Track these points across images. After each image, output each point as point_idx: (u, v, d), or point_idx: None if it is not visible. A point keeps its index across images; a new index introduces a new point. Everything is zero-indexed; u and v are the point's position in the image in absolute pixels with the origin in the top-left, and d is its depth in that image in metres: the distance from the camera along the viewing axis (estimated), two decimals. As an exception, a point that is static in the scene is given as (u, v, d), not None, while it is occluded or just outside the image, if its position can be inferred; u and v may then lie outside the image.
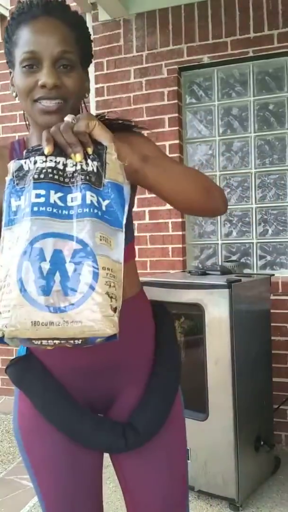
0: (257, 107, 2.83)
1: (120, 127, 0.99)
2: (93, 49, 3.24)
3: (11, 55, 0.91)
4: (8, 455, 2.74)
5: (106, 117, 0.99)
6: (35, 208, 0.69)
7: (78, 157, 0.74)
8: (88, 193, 0.71)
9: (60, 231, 0.69)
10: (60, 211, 0.70)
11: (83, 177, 0.73)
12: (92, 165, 0.74)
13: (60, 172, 0.73)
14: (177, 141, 2.87)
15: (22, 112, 0.97)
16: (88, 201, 0.71)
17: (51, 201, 0.70)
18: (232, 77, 2.87)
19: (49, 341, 0.67)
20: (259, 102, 2.82)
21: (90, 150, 0.75)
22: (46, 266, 0.67)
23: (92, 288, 0.67)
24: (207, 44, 2.80)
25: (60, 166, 0.74)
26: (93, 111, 3.16)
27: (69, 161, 0.74)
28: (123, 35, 2.98)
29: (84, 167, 0.74)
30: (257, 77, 2.81)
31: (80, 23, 0.94)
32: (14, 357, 0.98)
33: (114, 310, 0.68)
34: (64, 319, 0.66)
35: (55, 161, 0.73)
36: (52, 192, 0.71)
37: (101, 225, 0.71)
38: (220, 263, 2.88)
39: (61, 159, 0.74)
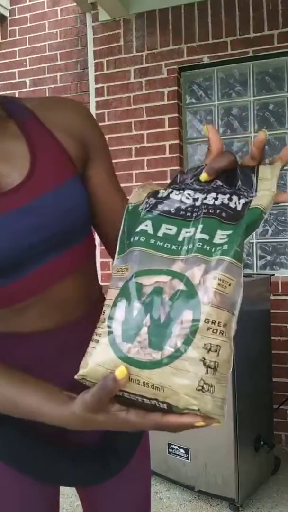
0: (257, 107, 2.83)
1: None
2: (93, 49, 3.25)
3: None
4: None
5: None
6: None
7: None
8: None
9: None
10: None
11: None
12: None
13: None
14: (177, 141, 2.87)
15: None
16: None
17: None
18: (232, 77, 2.87)
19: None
20: (259, 102, 2.82)
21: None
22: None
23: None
24: (207, 44, 2.80)
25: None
26: (93, 111, 3.17)
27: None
28: (123, 35, 2.98)
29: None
30: (257, 77, 2.81)
31: None
32: None
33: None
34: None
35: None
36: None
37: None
38: (220, 263, 2.88)
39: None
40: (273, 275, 2.52)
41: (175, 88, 2.87)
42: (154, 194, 0.62)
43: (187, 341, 0.50)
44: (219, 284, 0.52)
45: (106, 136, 3.03)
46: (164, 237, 0.57)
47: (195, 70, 2.90)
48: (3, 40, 3.56)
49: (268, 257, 2.84)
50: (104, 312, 0.55)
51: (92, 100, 3.19)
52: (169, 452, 2.24)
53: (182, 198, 0.60)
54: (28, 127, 0.71)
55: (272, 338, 2.49)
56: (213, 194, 0.59)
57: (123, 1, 2.87)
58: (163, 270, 0.55)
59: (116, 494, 0.84)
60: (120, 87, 2.99)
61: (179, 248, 0.56)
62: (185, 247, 0.56)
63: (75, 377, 0.55)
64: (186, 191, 0.61)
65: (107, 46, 3.01)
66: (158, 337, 0.51)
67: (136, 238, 0.58)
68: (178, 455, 2.21)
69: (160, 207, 0.60)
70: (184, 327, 0.51)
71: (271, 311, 2.43)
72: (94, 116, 3.12)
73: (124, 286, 0.55)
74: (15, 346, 0.72)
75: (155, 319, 0.52)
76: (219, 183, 0.60)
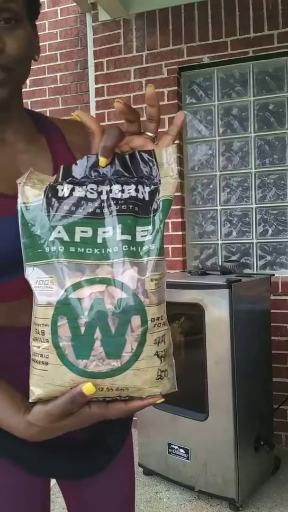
0: (257, 107, 2.83)
1: None
2: (93, 49, 3.22)
3: None
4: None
5: None
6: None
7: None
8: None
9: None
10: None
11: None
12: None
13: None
14: (177, 141, 2.86)
15: None
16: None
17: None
18: (232, 77, 2.87)
19: None
20: (259, 102, 2.82)
21: None
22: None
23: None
24: (207, 44, 2.80)
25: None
26: (93, 111, 3.17)
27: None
28: (123, 35, 2.98)
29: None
30: (257, 77, 2.81)
31: None
32: None
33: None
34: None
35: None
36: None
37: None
38: (220, 263, 2.88)
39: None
40: (273, 275, 2.52)
41: (175, 88, 2.87)
42: (53, 193, 0.57)
43: (141, 343, 0.53)
44: (155, 284, 0.55)
45: (106, 136, 3.02)
46: (82, 242, 0.55)
47: (195, 70, 2.90)
48: (3, 40, 3.56)
49: (268, 257, 2.84)
50: (43, 332, 0.54)
51: (92, 100, 3.19)
52: (169, 452, 2.24)
53: (87, 194, 0.57)
54: (56, 145, 0.76)
55: (272, 338, 2.49)
56: (118, 186, 0.57)
57: (123, 1, 2.87)
58: (96, 279, 0.54)
59: (103, 489, 0.84)
60: (120, 87, 2.99)
61: (103, 252, 0.55)
62: (109, 250, 0.55)
63: (30, 400, 0.55)
64: (89, 186, 0.57)
65: (107, 46, 3.01)
66: (113, 348, 0.53)
67: (53, 248, 0.55)
68: (178, 455, 2.21)
69: (66, 208, 0.56)
70: (135, 332, 0.53)
71: (271, 311, 2.43)
72: (94, 116, 3.13)
73: (60, 303, 0.53)
74: (10, 339, 0.73)
75: (106, 331, 0.53)
76: (118, 167, 0.58)
